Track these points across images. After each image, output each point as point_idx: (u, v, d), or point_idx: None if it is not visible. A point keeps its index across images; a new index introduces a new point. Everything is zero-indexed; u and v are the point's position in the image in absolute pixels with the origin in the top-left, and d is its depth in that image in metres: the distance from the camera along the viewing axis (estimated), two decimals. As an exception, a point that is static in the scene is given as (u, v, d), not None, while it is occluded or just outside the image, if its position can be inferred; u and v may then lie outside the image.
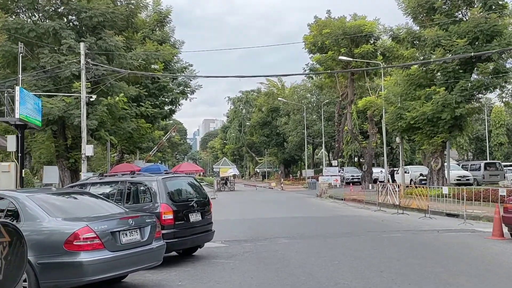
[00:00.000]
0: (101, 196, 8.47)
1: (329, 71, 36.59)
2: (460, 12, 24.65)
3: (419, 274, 7.69)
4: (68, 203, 7.35)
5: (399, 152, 36.29)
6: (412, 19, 25.71)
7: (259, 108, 70.75)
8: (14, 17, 21.91)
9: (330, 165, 50.47)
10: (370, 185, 27.45)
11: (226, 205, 24.59)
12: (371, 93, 36.17)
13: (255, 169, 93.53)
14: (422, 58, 25.06)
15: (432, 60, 22.95)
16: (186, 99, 33.30)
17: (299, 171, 74.63)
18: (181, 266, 8.84)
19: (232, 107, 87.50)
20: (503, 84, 23.87)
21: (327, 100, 56.23)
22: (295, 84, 65.69)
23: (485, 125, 52.96)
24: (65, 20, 22.57)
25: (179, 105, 33.30)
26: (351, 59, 34.50)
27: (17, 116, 16.66)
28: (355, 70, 34.89)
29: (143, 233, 6.99)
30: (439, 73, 24.30)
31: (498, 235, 11.21)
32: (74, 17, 22.75)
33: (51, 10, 22.26)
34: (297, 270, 8.23)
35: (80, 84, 20.42)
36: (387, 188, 19.84)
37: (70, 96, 20.98)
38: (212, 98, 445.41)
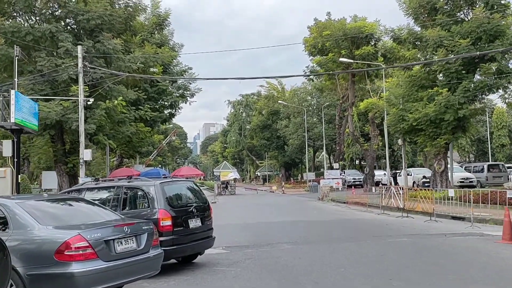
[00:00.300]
0: (96, 202, 8.12)
1: (329, 72, 36.31)
2: (462, 12, 24.41)
3: (431, 282, 7.31)
4: (60, 210, 6.97)
5: (400, 155, 35.99)
6: (413, 20, 25.47)
7: (259, 111, 70.41)
8: (10, 20, 21.69)
9: (331, 168, 50.08)
10: (373, 188, 27.05)
11: (226, 210, 24.23)
12: (372, 95, 35.89)
13: (256, 173, 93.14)
14: (424, 59, 24.80)
15: (435, 60, 22.69)
16: (185, 103, 33.20)
17: (300, 174, 74.24)
18: (180, 274, 8.49)
19: (232, 111, 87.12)
20: (506, 84, 23.58)
21: (328, 103, 55.90)
22: (295, 87, 65.43)
23: (486, 126, 52.65)
24: (63, 23, 22.34)
25: (179, 108, 33.23)
26: (352, 60, 34.26)
27: (12, 120, 16.35)
28: (356, 70, 34.66)
29: (140, 241, 6.62)
30: (441, 74, 24.05)
31: (508, 239, 10.83)
32: (71, 20, 22.53)
33: (48, 13, 22.01)
34: (302, 278, 7.87)
35: (78, 87, 20.14)
36: (391, 190, 19.46)
37: (68, 100, 20.70)
38: (212, 102, 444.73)
